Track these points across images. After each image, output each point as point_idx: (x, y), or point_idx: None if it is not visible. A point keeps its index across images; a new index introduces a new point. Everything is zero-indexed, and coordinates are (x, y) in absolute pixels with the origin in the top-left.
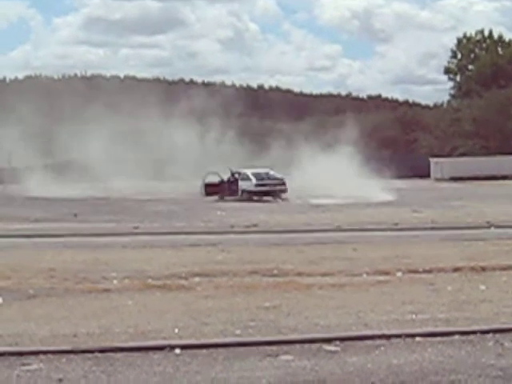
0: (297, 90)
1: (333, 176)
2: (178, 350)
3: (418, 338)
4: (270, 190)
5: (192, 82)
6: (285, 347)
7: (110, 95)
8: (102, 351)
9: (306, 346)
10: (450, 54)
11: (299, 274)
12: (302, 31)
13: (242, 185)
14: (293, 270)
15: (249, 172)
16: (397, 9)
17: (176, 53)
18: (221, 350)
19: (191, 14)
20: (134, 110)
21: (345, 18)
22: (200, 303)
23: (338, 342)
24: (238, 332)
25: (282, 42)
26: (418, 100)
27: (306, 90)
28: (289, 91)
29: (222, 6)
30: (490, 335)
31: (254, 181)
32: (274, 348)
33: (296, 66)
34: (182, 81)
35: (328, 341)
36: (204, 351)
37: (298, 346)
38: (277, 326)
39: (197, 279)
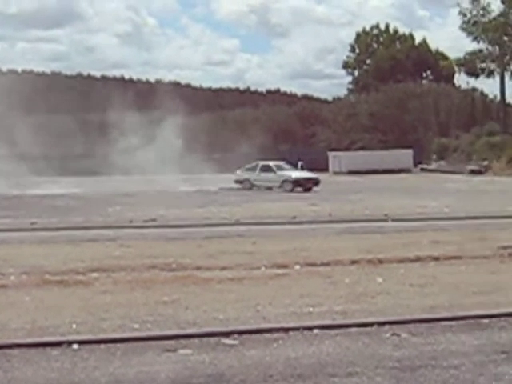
0: (195, 84)
1: None
2: (75, 346)
3: (315, 331)
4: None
5: (90, 76)
6: (183, 341)
7: (6, 90)
8: None
9: (205, 339)
10: (347, 48)
11: (198, 268)
12: (200, 26)
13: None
14: (191, 264)
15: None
16: (293, 3)
17: (74, 47)
18: (119, 345)
19: (89, 8)
20: (32, 104)
21: (242, 12)
22: (98, 298)
23: (236, 336)
24: (136, 327)
25: (180, 36)
26: (316, 94)
27: (205, 85)
28: (188, 86)
29: (120, 0)
30: (386, 327)
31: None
32: (173, 342)
33: (194, 60)
34: (80, 75)
35: (226, 334)
36: (102, 346)
37: (196, 340)
38: (175, 321)
39: (95, 274)
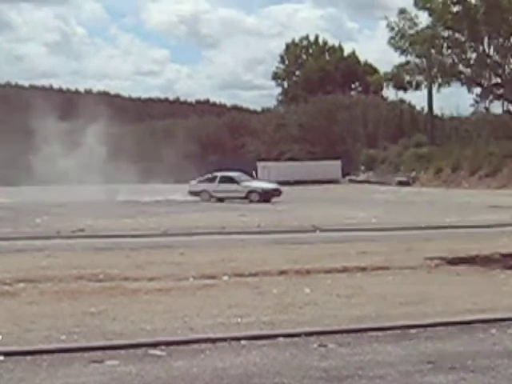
0: (125, 94)
1: None
2: (1, 357)
3: (243, 341)
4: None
5: (18, 85)
6: (110, 352)
7: None
8: None
9: (132, 351)
10: (277, 59)
11: (126, 279)
12: (130, 36)
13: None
14: (119, 274)
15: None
16: (223, 14)
17: (2, 56)
18: (45, 356)
19: (18, 17)
20: None
21: (172, 22)
22: (24, 309)
23: (163, 347)
24: (62, 338)
25: (109, 46)
26: (245, 105)
27: (135, 95)
28: (117, 96)
29: (48, 9)
30: (314, 337)
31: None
32: (100, 353)
33: (124, 70)
34: (8, 84)
35: (154, 345)
36: (28, 358)
37: (123, 351)
38: (102, 332)
39: (21, 285)
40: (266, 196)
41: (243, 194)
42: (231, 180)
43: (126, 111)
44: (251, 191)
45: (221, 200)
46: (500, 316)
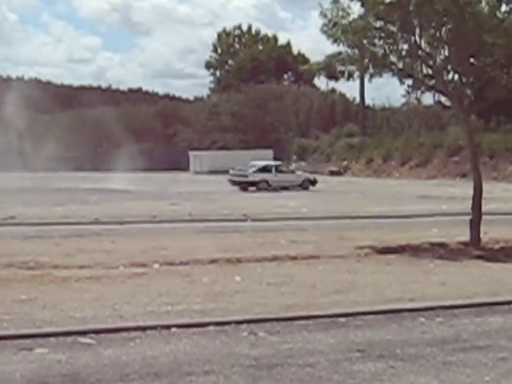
0: (57, 81)
1: None
2: None
3: (173, 329)
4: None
5: None
6: (40, 340)
7: None
8: None
9: (61, 338)
10: (209, 48)
11: (56, 267)
12: (62, 23)
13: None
14: (49, 262)
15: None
16: (156, 2)
17: None
18: None
19: None
20: None
21: (104, 10)
22: None
23: (93, 335)
24: None
25: (41, 33)
26: (178, 94)
27: (66, 82)
28: (49, 83)
29: None
30: (244, 325)
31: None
32: (29, 341)
33: (56, 57)
34: None
35: (83, 333)
36: None
37: (52, 339)
38: (32, 319)
39: None
40: (313, 184)
41: (299, 183)
42: (286, 170)
43: (57, 98)
44: (305, 180)
45: (275, 189)
46: (429, 305)
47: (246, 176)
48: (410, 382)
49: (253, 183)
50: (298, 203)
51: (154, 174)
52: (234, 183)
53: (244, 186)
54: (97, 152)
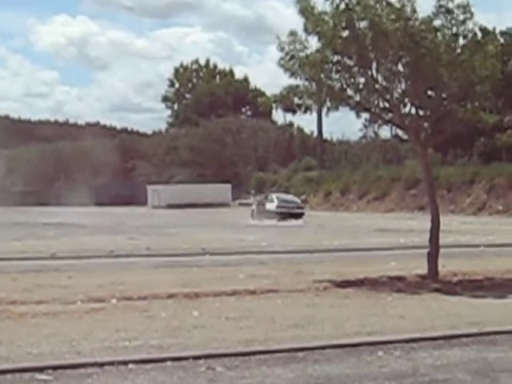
0: (15, 115)
1: None
2: None
3: (130, 365)
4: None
5: None
6: None
7: None
8: None
9: (18, 375)
10: (167, 82)
11: (12, 303)
12: (19, 57)
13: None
14: (6, 298)
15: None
16: (112, 37)
17: None
18: None
19: None
20: None
21: (61, 44)
22: None
23: (50, 371)
24: None
25: None
26: (136, 128)
27: (24, 116)
28: (6, 117)
29: None
30: (202, 361)
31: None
32: None
33: (13, 91)
34: None
35: (40, 370)
36: None
37: (9, 375)
38: None
39: None
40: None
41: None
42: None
43: (15, 133)
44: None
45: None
46: (387, 338)
47: (293, 208)
48: None
49: (298, 215)
50: (257, 237)
51: (112, 209)
52: (281, 215)
53: (286, 216)
54: (55, 186)
